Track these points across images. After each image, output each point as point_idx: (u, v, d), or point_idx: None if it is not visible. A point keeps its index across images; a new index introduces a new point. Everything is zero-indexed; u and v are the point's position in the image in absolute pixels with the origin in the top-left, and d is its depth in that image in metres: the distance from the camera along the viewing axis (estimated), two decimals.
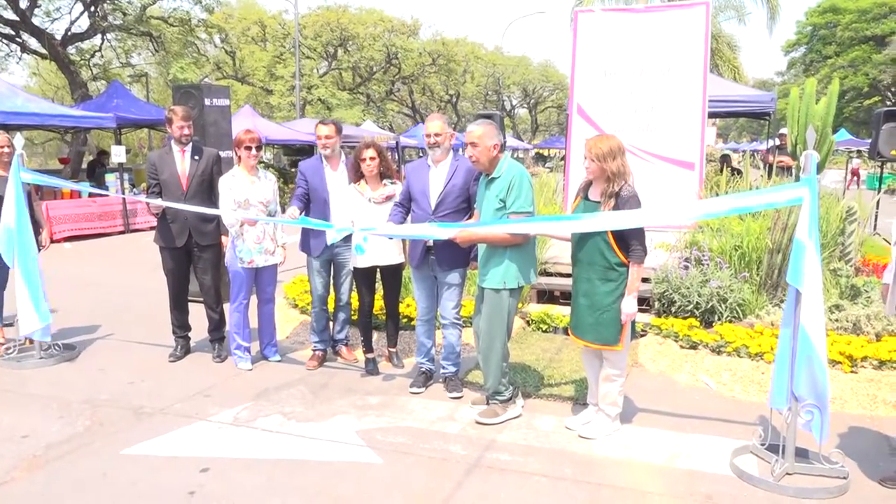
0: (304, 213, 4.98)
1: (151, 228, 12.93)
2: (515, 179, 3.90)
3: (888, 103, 36.55)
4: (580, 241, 3.81)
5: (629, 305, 3.70)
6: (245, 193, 4.86)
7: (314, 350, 5.22)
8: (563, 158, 9.41)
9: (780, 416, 3.56)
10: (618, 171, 3.64)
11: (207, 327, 5.37)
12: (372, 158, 4.62)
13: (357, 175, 4.73)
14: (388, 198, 4.68)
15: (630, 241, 3.67)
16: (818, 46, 43.60)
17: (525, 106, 51.51)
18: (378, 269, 4.83)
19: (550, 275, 6.44)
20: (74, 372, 5.06)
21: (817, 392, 3.36)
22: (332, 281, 5.19)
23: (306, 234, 5.03)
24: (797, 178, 6.95)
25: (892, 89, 39.82)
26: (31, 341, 5.32)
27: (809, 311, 3.32)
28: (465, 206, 4.44)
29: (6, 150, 5.31)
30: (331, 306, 5.26)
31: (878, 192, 10.99)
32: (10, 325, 5.62)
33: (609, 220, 3.63)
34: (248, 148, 4.85)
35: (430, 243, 4.40)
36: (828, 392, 3.37)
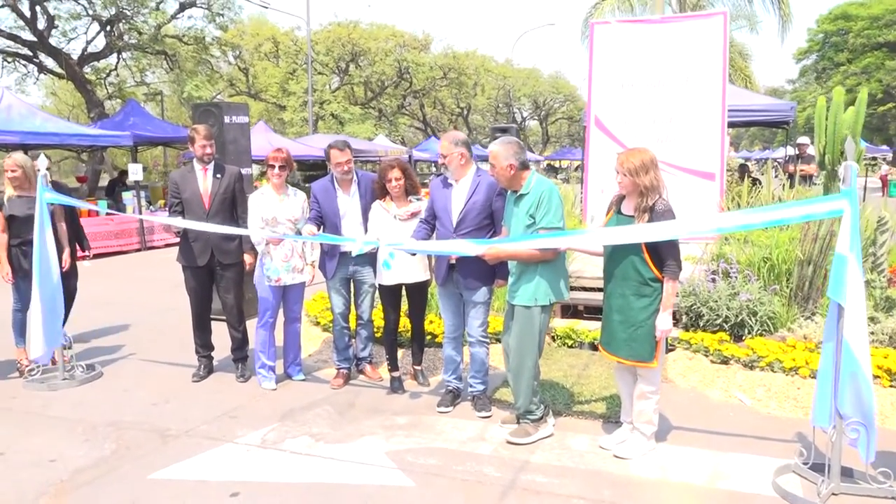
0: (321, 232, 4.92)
1: (167, 246, 13.11)
2: (545, 195, 3.85)
3: None
4: (613, 256, 3.74)
5: (664, 322, 3.62)
6: (273, 211, 4.83)
7: (338, 369, 5.16)
8: (577, 169, 9.35)
9: (822, 433, 3.46)
10: (651, 186, 3.56)
11: (231, 346, 5.33)
12: (397, 179, 4.59)
13: (382, 193, 4.70)
14: (414, 214, 4.63)
15: (665, 256, 3.59)
16: (830, 54, 43.39)
17: (536, 118, 51.50)
18: (403, 287, 4.78)
19: (574, 289, 6.35)
20: (98, 393, 5.03)
21: (863, 409, 3.26)
22: (352, 299, 5.14)
23: (322, 256, 4.99)
24: (825, 188, 6.89)
25: None
26: (55, 362, 5.30)
27: (853, 325, 3.23)
28: (487, 222, 4.36)
29: (10, 173, 5.26)
30: (353, 324, 5.21)
31: None
32: None
33: (639, 232, 3.56)
34: (272, 166, 4.83)
35: (453, 260, 4.35)
36: (874, 409, 3.27)
